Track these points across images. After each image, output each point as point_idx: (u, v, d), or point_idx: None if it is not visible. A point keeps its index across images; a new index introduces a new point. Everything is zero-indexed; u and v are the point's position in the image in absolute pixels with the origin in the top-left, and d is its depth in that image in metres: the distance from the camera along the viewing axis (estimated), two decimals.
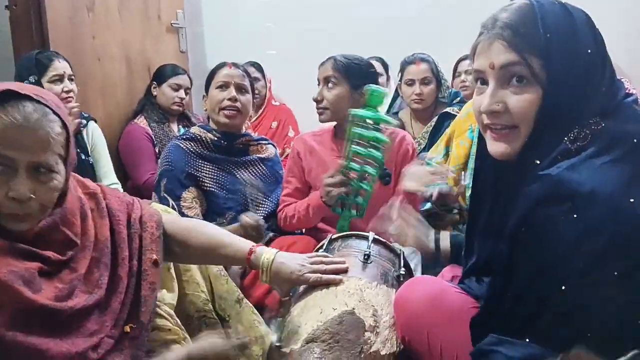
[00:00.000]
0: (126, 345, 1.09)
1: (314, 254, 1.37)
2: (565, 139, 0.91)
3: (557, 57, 0.92)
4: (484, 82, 1.02)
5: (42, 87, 2.23)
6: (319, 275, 1.28)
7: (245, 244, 1.31)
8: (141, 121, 2.88)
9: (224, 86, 2.04)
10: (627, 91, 0.97)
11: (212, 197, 2.00)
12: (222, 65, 2.11)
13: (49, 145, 0.99)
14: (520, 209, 0.90)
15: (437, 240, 1.41)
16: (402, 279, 1.36)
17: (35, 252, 1.02)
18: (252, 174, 2.10)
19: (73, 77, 2.36)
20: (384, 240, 1.48)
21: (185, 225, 1.33)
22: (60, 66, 2.30)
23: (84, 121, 2.47)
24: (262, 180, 2.12)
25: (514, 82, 0.96)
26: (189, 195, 1.97)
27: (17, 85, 1.01)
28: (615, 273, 0.81)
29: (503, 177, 1.07)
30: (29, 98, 0.99)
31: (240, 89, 2.06)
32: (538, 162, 0.91)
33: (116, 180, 2.54)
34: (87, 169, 2.40)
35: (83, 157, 2.42)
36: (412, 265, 1.57)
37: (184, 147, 2.03)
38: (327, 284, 1.28)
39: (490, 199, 1.13)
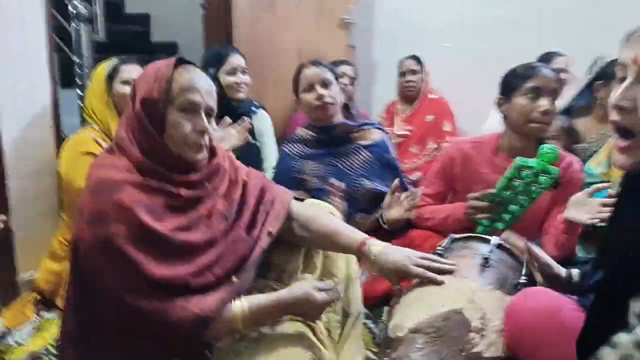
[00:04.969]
0: (226, 290, 1.23)
1: (423, 253, 1.41)
2: None
3: None
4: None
5: (218, 77, 2.49)
6: (423, 270, 1.32)
7: (359, 235, 1.41)
8: None
9: (309, 88, 2.12)
10: None
11: (319, 195, 2.03)
12: (301, 68, 2.17)
13: (214, 95, 1.28)
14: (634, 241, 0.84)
15: (568, 274, 1.35)
16: (519, 288, 1.33)
17: (164, 189, 1.22)
18: (355, 162, 2.14)
19: (246, 70, 2.55)
20: (508, 246, 1.46)
21: (310, 212, 1.47)
22: (235, 60, 2.52)
23: (254, 108, 2.74)
24: (368, 166, 2.13)
25: None
26: None
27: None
28: None
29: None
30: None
31: (323, 84, 2.11)
32: None
33: None
34: (253, 151, 2.63)
35: (250, 140, 2.66)
36: None
37: (289, 151, 2.22)
38: (440, 282, 1.31)
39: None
